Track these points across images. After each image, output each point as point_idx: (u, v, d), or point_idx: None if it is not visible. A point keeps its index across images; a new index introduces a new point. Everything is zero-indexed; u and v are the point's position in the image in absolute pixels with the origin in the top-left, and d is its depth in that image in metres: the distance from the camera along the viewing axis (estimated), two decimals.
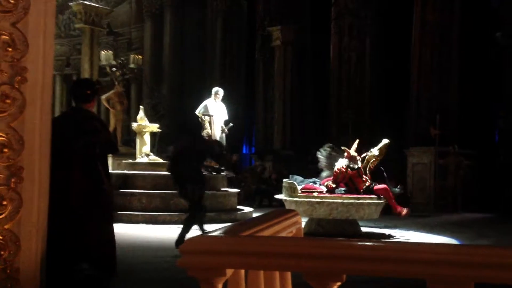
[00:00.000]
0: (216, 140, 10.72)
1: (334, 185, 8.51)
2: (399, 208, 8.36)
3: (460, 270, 1.47)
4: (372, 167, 8.56)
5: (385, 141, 8.63)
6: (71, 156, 4.32)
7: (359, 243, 1.53)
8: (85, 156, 4.36)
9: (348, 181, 8.51)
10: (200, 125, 7.98)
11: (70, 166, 4.30)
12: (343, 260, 1.51)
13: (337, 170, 8.55)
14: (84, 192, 4.33)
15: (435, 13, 14.18)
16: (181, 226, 6.99)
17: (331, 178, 8.79)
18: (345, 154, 8.60)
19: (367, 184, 8.41)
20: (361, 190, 8.38)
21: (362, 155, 8.59)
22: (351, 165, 8.47)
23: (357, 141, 8.81)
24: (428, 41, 14.23)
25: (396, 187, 8.75)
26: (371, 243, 1.51)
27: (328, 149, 10.34)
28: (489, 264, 1.47)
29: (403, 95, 14.95)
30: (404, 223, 9.67)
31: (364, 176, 8.45)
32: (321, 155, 9.96)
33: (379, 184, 8.39)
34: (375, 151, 8.58)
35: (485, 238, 8.78)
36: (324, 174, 10.21)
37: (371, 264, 1.49)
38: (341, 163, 8.60)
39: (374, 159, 8.52)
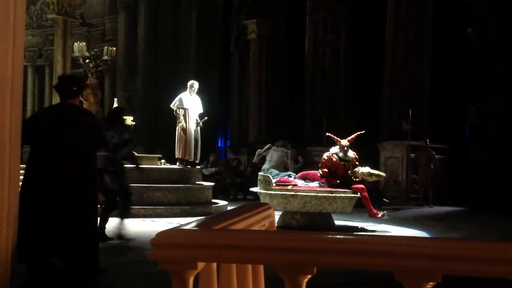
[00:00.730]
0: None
1: (326, 170, 8.56)
2: (375, 211, 8.47)
3: (427, 263, 1.50)
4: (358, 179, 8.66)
5: (382, 174, 8.99)
6: (62, 149, 4.30)
7: (329, 236, 1.55)
8: (76, 148, 4.35)
9: (332, 166, 8.57)
10: (118, 112, 7.54)
11: (60, 159, 4.28)
12: (312, 253, 1.53)
13: (325, 157, 8.61)
14: (73, 185, 4.30)
15: (408, 9, 14.31)
16: (118, 219, 7.02)
17: (305, 173, 8.98)
18: (338, 144, 8.64)
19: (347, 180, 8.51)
20: (337, 182, 8.46)
21: (355, 169, 8.61)
22: (340, 155, 8.53)
23: (358, 133, 8.79)
24: (401, 37, 14.36)
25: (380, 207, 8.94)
26: (340, 236, 1.53)
27: (274, 145, 11.49)
28: (455, 256, 1.49)
29: (377, 89, 15.09)
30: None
31: (349, 177, 8.51)
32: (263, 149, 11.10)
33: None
34: (367, 172, 8.58)
35: (455, 231, 8.95)
36: (265, 166, 11.02)
37: (340, 256, 1.51)
38: (331, 151, 8.67)
39: (361, 177, 8.61)
